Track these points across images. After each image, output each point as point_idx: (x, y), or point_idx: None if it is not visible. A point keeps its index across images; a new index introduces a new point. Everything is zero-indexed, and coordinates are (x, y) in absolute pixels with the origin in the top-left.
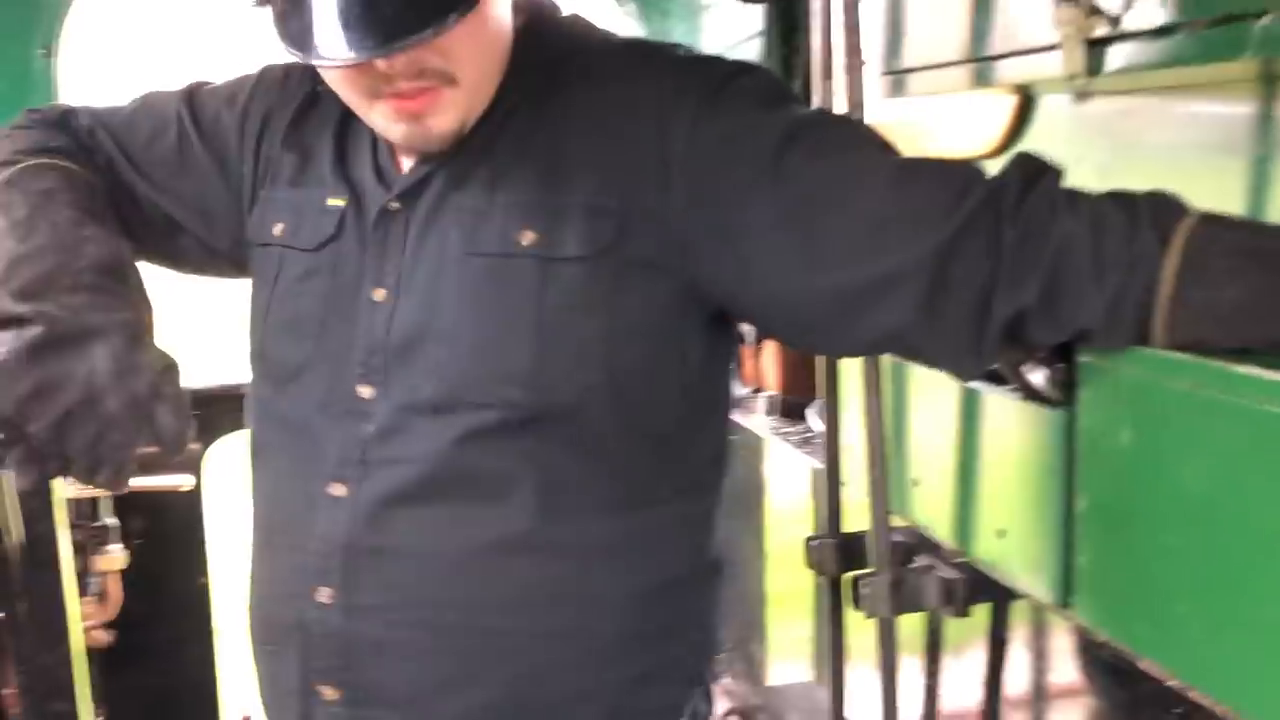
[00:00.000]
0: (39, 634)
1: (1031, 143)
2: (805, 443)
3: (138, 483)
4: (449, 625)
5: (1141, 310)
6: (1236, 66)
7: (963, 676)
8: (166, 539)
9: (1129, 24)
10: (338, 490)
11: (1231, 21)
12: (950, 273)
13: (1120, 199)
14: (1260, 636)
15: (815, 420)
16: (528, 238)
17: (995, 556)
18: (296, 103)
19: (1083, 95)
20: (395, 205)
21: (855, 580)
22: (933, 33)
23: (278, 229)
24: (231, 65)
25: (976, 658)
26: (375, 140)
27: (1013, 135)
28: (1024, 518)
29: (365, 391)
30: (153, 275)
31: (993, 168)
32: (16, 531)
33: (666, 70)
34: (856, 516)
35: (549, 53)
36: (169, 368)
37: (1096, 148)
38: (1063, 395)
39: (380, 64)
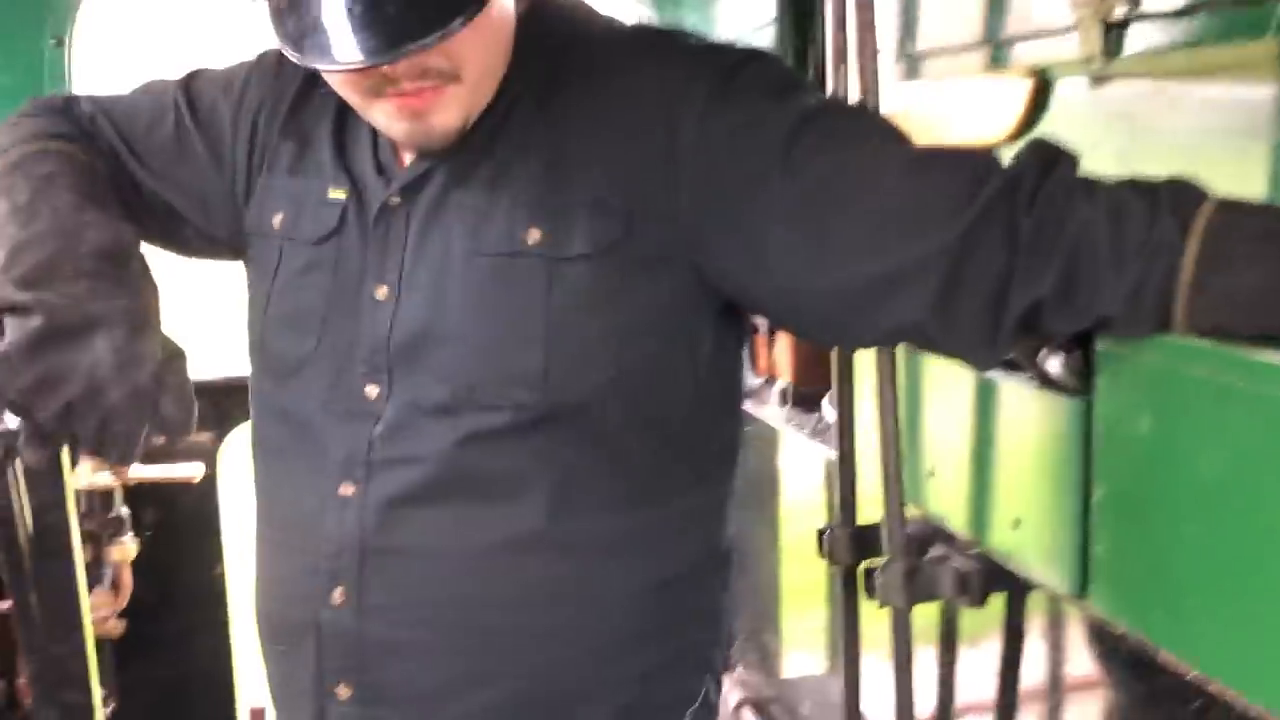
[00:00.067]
0: (50, 624)
1: (1048, 128)
2: (819, 433)
3: (149, 473)
4: (461, 624)
5: (1162, 297)
6: (1258, 48)
7: (978, 668)
8: (180, 529)
9: (1148, 5)
10: (346, 490)
11: (1253, 2)
12: (966, 265)
13: (1138, 186)
14: None
15: (830, 410)
16: (533, 236)
17: (1011, 547)
18: (295, 88)
19: (1100, 79)
20: (396, 201)
21: (869, 569)
22: (947, 15)
23: (277, 220)
24: (242, 55)
25: (992, 649)
26: (375, 130)
27: (1029, 120)
28: (1040, 507)
29: (370, 391)
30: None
31: (1008, 154)
32: (27, 522)
33: (672, 61)
34: (871, 508)
35: (551, 40)
36: (174, 355)
37: (1114, 132)
38: (1080, 383)
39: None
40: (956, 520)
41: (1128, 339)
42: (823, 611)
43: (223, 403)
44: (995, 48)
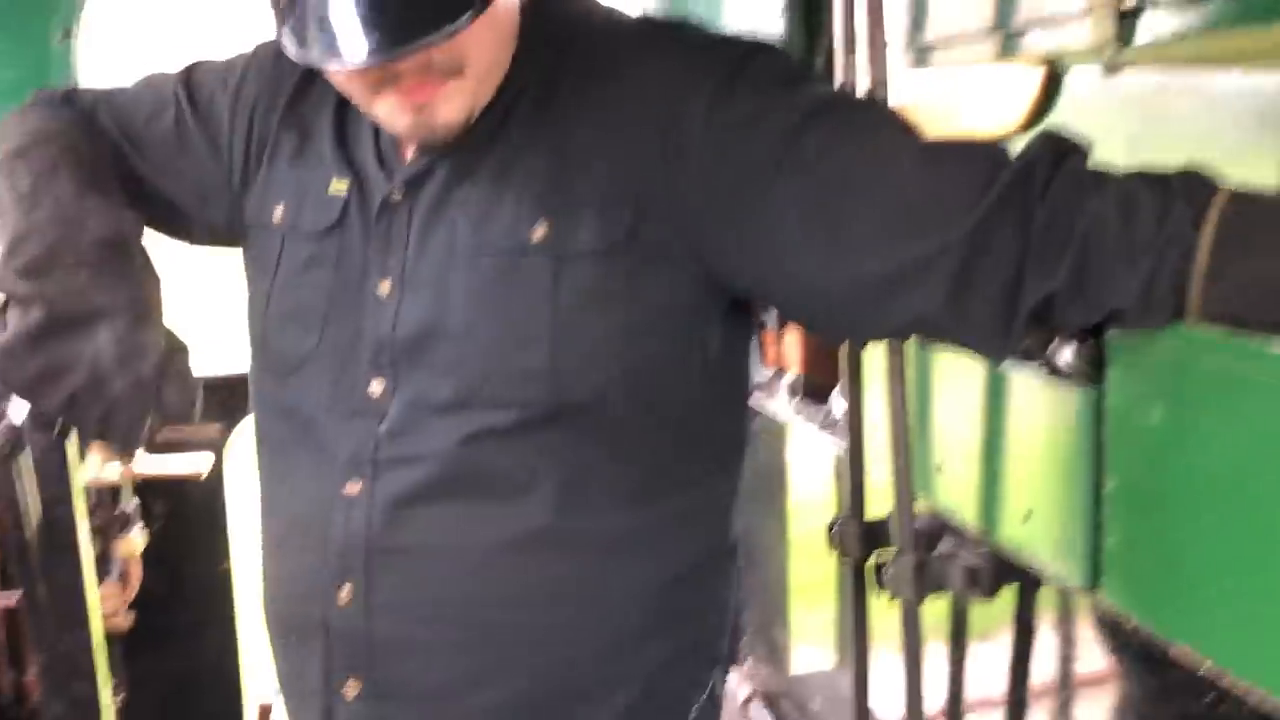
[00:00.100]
0: (59, 617)
1: (1059, 117)
2: (829, 426)
3: (156, 468)
4: (469, 622)
5: (1176, 287)
6: (1273, 33)
7: (988, 663)
8: (188, 523)
9: None
10: (352, 489)
11: None
12: (979, 258)
13: (1150, 177)
14: None
15: (840, 403)
16: (539, 233)
17: (1021, 539)
18: (294, 79)
19: (1113, 67)
20: (397, 196)
21: (879, 563)
22: (957, 3)
23: (278, 211)
24: (248, 47)
25: (1003, 643)
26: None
27: (1040, 110)
28: (1051, 499)
29: (375, 389)
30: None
31: (1018, 144)
32: (35, 516)
33: (678, 53)
34: (881, 501)
35: (556, 33)
36: (176, 349)
37: (1127, 121)
38: (1091, 373)
39: None
40: (967, 513)
41: (1141, 330)
42: (832, 605)
43: (229, 397)
44: (1006, 36)
